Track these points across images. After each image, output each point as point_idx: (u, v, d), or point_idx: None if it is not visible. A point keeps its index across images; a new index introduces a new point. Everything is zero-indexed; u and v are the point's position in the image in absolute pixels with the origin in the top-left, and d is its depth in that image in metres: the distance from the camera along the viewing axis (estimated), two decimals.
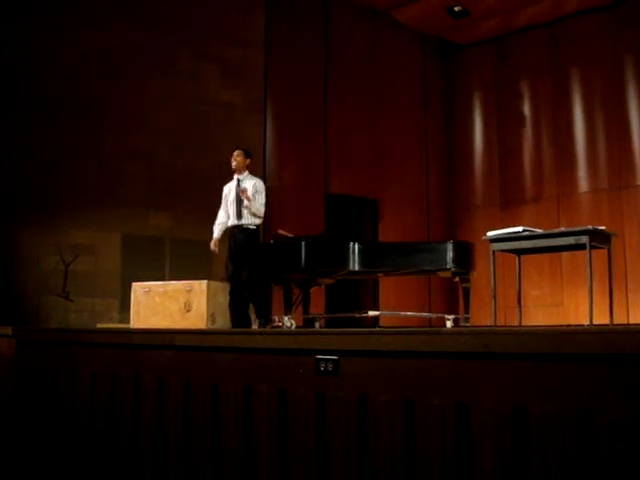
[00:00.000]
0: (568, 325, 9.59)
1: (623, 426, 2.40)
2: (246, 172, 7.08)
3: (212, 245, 7.09)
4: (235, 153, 7.08)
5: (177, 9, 10.30)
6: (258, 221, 6.97)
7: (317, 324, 8.19)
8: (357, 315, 9.65)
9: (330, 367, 3.35)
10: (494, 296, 6.92)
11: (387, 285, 11.97)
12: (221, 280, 7.32)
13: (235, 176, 7.09)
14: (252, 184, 6.97)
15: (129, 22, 9.89)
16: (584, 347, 2.55)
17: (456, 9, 12.26)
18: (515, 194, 12.86)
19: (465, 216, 13.38)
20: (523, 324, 7.69)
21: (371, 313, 10.06)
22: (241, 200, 6.86)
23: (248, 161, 7.11)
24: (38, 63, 9.28)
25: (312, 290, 8.24)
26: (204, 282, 5.90)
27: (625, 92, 11.83)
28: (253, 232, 6.92)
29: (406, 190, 12.98)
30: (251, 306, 6.95)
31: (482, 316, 9.88)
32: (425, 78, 13.62)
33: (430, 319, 11.17)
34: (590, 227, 6.36)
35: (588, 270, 6.24)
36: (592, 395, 2.50)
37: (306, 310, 8.00)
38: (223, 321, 5.94)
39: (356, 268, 7.68)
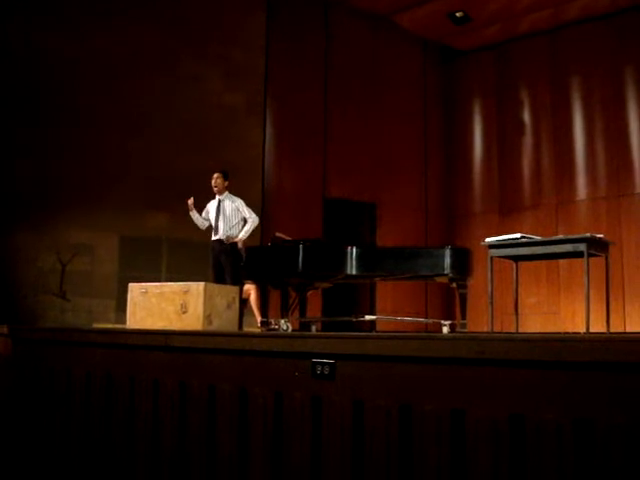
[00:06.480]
0: (565, 333, 9.59)
1: (620, 434, 2.40)
2: (226, 192, 7.84)
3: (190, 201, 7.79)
4: (215, 175, 7.85)
5: (179, 10, 10.30)
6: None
7: (313, 327, 8.17)
8: (354, 319, 9.65)
9: (326, 371, 3.34)
10: (491, 302, 6.93)
11: (384, 290, 11.96)
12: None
13: (217, 197, 7.82)
14: (234, 206, 7.76)
15: (130, 23, 9.88)
16: (581, 355, 2.55)
17: (458, 15, 12.28)
18: (514, 201, 12.87)
19: (463, 222, 13.39)
20: (520, 331, 7.69)
21: (368, 317, 10.05)
22: (218, 217, 7.72)
23: (227, 183, 7.84)
24: (38, 63, 9.27)
25: (309, 293, 8.24)
26: (201, 284, 5.88)
27: (625, 100, 11.85)
28: (231, 244, 7.67)
29: (405, 195, 12.98)
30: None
31: (479, 322, 9.88)
32: (425, 83, 13.64)
33: (426, 324, 11.16)
34: (588, 235, 6.37)
35: (585, 278, 6.24)
36: (589, 403, 2.50)
37: (303, 313, 8.00)
38: (219, 323, 5.93)
39: (353, 272, 7.67)
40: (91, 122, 9.51)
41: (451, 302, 11.63)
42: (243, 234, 7.68)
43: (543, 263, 10.49)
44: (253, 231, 7.93)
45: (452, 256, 7.68)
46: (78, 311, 9.16)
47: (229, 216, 7.72)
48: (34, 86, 9.18)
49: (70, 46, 9.47)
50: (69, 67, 9.44)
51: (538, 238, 6.85)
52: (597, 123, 12.14)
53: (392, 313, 11.35)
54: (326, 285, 8.60)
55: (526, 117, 13.00)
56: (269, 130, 11.33)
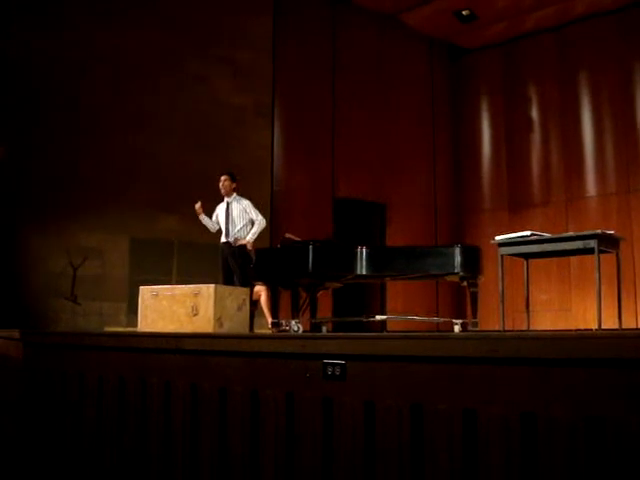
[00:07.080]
0: (576, 330, 9.55)
1: (632, 432, 2.39)
2: (234, 194, 7.79)
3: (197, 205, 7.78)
4: (222, 178, 7.80)
5: (186, 11, 10.31)
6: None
7: (324, 328, 8.17)
8: (364, 319, 9.63)
9: (337, 371, 3.34)
10: (502, 300, 6.91)
11: (394, 289, 11.95)
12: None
13: (225, 199, 7.79)
14: (241, 208, 7.71)
15: (138, 24, 9.90)
16: (593, 352, 2.54)
17: (464, 13, 12.27)
18: (523, 198, 12.84)
19: (473, 220, 13.36)
20: (531, 329, 7.66)
21: (378, 317, 10.03)
22: (227, 220, 7.71)
23: (234, 184, 7.79)
24: (47, 63, 9.30)
25: (319, 294, 8.24)
26: (212, 286, 5.89)
27: (633, 96, 11.81)
28: (239, 247, 7.64)
29: (414, 194, 12.97)
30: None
31: (490, 321, 9.86)
32: (432, 82, 13.62)
33: (438, 324, 11.14)
34: (599, 231, 6.34)
35: (596, 274, 6.22)
36: (601, 401, 2.49)
37: (313, 314, 8.00)
38: (230, 325, 5.93)
39: (364, 272, 7.67)
40: (100, 123, 9.52)
41: (462, 301, 11.61)
42: (250, 236, 7.64)
43: (554, 260, 10.45)
44: (262, 232, 7.92)
45: (462, 254, 7.67)
46: (89, 314, 9.19)
47: (236, 218, 7.70)
48: (34, 86, 9.19)
49: (77, 46, 9.45)
50: (78, 68, 9.45)
51: (548, 235, 6.82)
52: (606, 119, 12.10)
53: (403, 313, 11.34)
54: (336, 285, 8.59)
55: (534, 114, 12.96)
56: (277, 131, 11.34)
